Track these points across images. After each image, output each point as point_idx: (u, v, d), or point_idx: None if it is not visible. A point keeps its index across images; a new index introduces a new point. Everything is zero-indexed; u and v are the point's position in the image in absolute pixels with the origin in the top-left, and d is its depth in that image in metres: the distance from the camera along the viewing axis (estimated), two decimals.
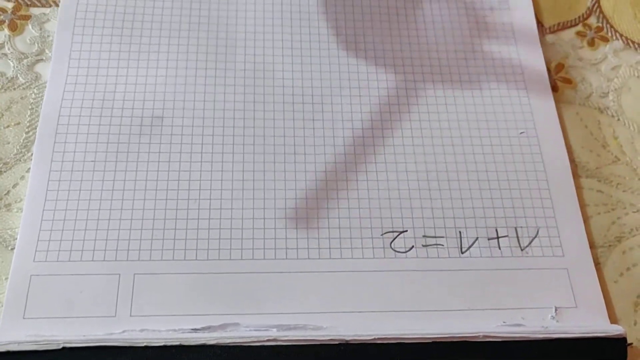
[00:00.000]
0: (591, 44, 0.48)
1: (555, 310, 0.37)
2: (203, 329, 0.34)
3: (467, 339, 0.35)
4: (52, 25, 0.44)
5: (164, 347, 0.33)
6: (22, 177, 0.38)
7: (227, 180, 0.39)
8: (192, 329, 0.34)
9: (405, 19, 0.47)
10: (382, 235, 0.39)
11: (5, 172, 0.39)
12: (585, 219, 0.41)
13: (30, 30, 0.44)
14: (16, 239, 0.36)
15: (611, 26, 0.49)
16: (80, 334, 0.33)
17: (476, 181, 0.41)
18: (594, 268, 0.39)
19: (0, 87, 0.41)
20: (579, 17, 0.50)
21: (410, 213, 0.39)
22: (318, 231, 0.38)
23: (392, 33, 0.46)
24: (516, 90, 0.45)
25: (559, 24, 0.49)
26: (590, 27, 0.49)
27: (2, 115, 0.40)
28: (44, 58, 0.43)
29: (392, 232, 0.39)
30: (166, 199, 0.38)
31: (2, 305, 0.34)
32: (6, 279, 0.35)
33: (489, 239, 0.39)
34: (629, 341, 0.36)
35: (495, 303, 0.37)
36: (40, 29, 0.44)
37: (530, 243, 0.39)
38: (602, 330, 0.36)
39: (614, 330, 0.36)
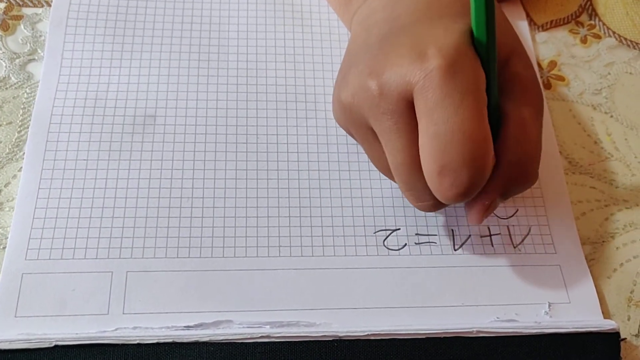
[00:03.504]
0: (584, 41, 0.49)
1: (549, 305, 0.37)
2: (196, 326, 0.34)
3: (461, 335, 0.35)
4: (44, 25, 0.44)
5: (157, 344, 0.33)
6: (14, 176, 0.38)
7: (220, 179, 0.39)
8: (185, 326, 0.34)
9: None
10: (375, 233, 0.39)
11: None
12: (579, 216, 0.41)
13: (23, 30, 0.44)
14: (7, 237, 0.36)
15: (603, 23, 0.49)
16: (72, 332, 0.33)
17: None
18: (587, 264, 0.39)
19: None
20: (571, 14, 0.50)
21: (403, 212, 0.39)
22: (311, 229, 0.38)
23: None
24: None
25: (551, 21, 0.49)
26: (582, 25, 0.49)
27: None
28: (36, 58, 0.43)
29: (385, 230, 0.39)
30: (159, 197, 0.38)
31: None
32: None
33: (481, 237, 0.39)
34: (622, 336, 0.36)
35: (488, 299, 0.37)
36: (33, 29, 0.44)
37: (522, 240, 0.39)
38: (595, 326, 0.36)
39: (607, 325, 0.36)
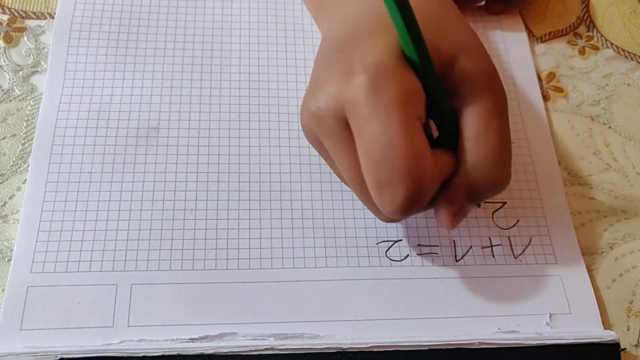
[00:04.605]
0: (582, 52, 0.49)
1: (550, 316, 0.37)
2: (201, 339, 0.34)
3: (463, 346, 0.35)
4: (48, 37, 0.44)
5: (162, 357, 0.34)
6: (19, 189, 0.39)
7: (223, 191, 0.40)
8: (190, 339, 0.34)
9: None
10: (377, 244, 0.39)
11: (1, 183, 0.39)
12: (578, 226, 0.41)
13: (26, 42, 0.44)
14: (13, 250, 0.36)
15: (601, 35, 0.50)
16: (77, 345, 0.34)
17: None
18: (587, 274, 0.39)
19: None
20: (569, 26, 0.50)
21: (405, 222, 0.40)
22: (314, 240, 0.38)
23: None
24: (507, 101, 0.45)
25: (549, 33, 0.50)
26: (580, 36, 0.50)
27: None
28: (40, 70, 0.43)
29: (387, 241, 0.39)
30: (162, 210, 0.38)
31: None
32: (3, 290, 0.35)
33: (482, 248, 0.39)
34: (622, 346, 0.37)
35: (490, 310, 0.37)
36: (36, 41, 0.44)
37: (523, 251, 0.40)
38: (595, 336, 0.36)
39: (608, 335, 0.36)
